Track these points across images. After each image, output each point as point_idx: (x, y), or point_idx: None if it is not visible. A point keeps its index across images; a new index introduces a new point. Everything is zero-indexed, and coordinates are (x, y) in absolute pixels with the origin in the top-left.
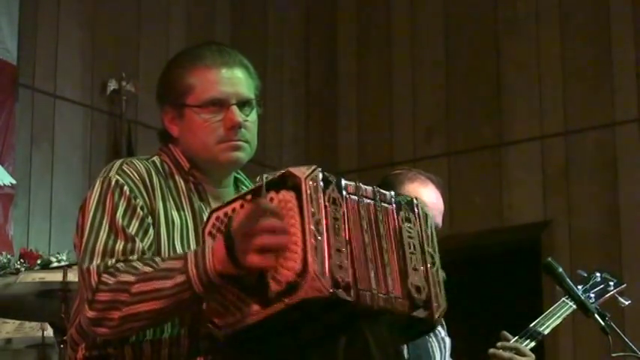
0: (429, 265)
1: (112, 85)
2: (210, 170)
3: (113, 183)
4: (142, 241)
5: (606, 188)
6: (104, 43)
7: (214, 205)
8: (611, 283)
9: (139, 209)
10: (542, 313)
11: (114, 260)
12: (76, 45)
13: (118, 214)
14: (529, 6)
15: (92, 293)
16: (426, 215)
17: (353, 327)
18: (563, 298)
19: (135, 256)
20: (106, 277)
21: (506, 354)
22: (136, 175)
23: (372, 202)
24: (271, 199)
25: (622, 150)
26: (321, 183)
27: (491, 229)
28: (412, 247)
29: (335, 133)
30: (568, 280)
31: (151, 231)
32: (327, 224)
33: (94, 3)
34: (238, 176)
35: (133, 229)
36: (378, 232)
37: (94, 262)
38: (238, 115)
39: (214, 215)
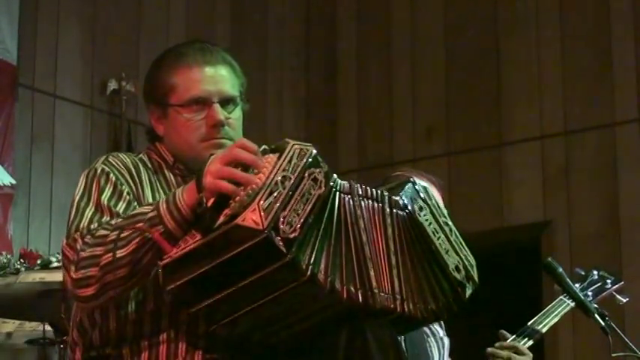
0: (451, 237)
1: (112, 85)
2: (196, 168)
3: (99, 171)
4: None
5: (606, 188)
6: (104, 43)
7: None
8: (609, 281)
9: (125, 194)
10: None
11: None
12: (76, 45)
13: (103, 196)
14: (529, 6)
15: (77, 255)
16: (425, 189)
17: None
18: (561, 297)
19: None
20: (87, 238)
21: (504, 353)
22: (121, 165)
23: (374, 204)
24: None
25: (622, 150)
26: (309, 159)
27: (491, 229)
28: (436, 233)
29: (335, 133)
30: (568, 280)
31: None
32: (294, 185)
33: (94, 3)
34: None
35: (120, 210)
36: (380, 233)
37: (79, 233)
38: (220, 112)
39: None
